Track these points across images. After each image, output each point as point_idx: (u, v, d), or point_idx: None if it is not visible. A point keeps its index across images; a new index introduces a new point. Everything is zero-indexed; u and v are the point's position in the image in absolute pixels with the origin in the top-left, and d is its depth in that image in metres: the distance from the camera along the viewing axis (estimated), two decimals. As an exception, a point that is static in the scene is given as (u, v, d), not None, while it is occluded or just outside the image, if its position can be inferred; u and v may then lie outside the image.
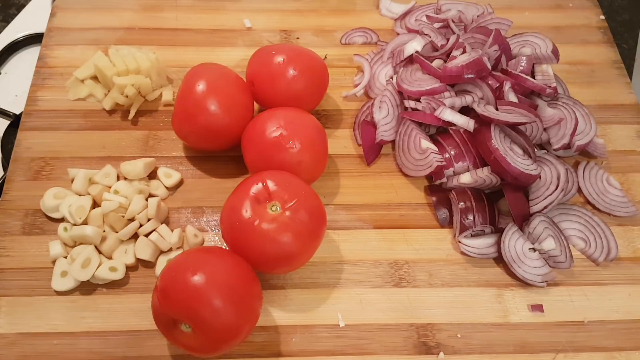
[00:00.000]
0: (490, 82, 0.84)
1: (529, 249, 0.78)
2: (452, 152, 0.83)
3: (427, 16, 0.97)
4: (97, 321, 0.73)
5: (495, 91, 0.84)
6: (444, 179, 0.83)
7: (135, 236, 0.78)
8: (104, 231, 0.77)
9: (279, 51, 0.84)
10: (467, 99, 0.84)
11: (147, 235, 0.77)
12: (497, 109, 0.82)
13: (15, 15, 1.11)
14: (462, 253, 0.80)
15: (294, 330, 0.74)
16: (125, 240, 0.78)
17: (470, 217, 0.79)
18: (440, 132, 0.87)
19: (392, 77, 0.92)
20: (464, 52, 0.87)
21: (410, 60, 0.91)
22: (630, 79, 0.99)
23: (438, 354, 0.73)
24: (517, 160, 0.79)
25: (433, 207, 0.83)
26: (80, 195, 0.80)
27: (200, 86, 0.79)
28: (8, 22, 1.10)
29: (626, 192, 0.86)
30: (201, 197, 0.83)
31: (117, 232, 0.77)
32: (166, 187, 0.83)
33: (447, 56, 0.89)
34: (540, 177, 0.81)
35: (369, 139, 0.87)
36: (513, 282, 0.78)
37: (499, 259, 0.79)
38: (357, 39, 1.01)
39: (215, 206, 0.83)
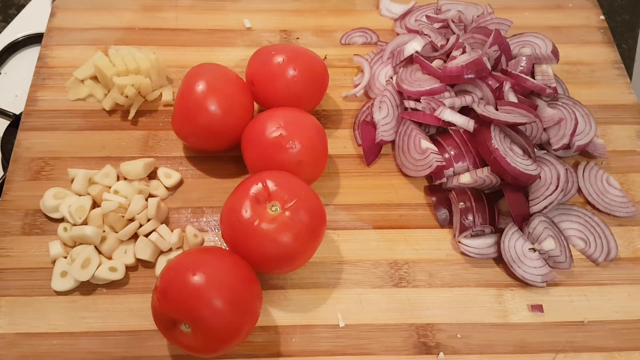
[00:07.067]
0: (490, 82, 0.84)
1: (529, 249, 0.78)
2: (452, 152, 0.83)
3: (427, 16, 0.97)
4: (97, 321, 0.73)
5: (495, 91, 0.84)
6: (444, 179, 0.83)
7: (135, 236, 0.78)
8: (104, 231, 0.77)
9: (279, 51, 0.84)
10: (467, 99, 0.84)
11: (147, 236, 0.77)
12: (497, 109, 0.82)
13: (15, 15, 1.11)
14: (462, 253, 0.80)
15: (293, 331, 0.74)
16: (125, 241, 0.78)
17: (470, 217, 0.79)
18: (440, 132, 0.87)
19: (392, 77, 0.92)
20: (463, 52, 0.87)
21: (410, 60, 0.91)
22: (630, 79, 0.99)
23: (438, 354, 0.73)
24: (517, 160, 0.79)
25: (433, 207, 0.83)
26: (80, 196, 0.80)
27: (200, 86, 0.79)
28: (8, 22, 1.10)
29: (626, 192, 0.86)
30: (201, 197, 0.83)
31: (117, 232, 0.77)
32: (166, 187, 0.83)
33: (447, 56, 0.89)
34: (540, 177, 0.81)
35: (368, 139, 0.87)
36: (513, 282, 0.78)
37: (499, 259, 0.79)
38: (357, 39, 1.01)
39: (215, 206, 0.83)
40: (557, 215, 0.82)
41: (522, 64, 0.87)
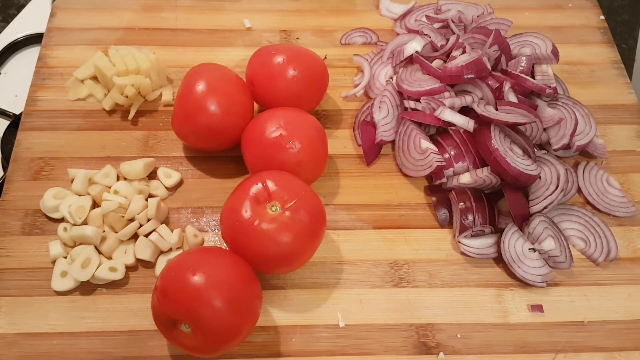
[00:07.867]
0: (490, 82, 0.84)
1: (529, 249, 0.78)
2: (452, 152, 0.83)
3: (427, 16, 0.97)
4: (97, 321, 0.73)
5: (495, 91, 0.84)
6: (444, 179, 0.83)
7: (135, 236, 0.78)
8: (104, 231, 0.77)
9: (279, 51, 0.84)
10: (467, 99, 0.84)
11: (147, 236, 0.77)
12: (497, 109, 0.82)
13: (15, 15, 1.11)
14: (462, 253, 0.80)
15: (293, 331, 0.74)
16: (125, 241, 0.78)
17: (470, 217, 0.79)
18: (440, 132, 0.87)
19: (392, 77, 0.92)
20: (463, 52, 0.87)
21: (410, 60, 0.91)
22: (630, 79, 0.99)
23: (438, 354, 0.73)
24: (516, 160, 0.79)
25: (433, 207, 0.83)
26: (80, 196, 0.80)
27: (200, 86, 0.79)
28: (8, 22, 1.10)
29: (626, 192, 0.86)
30: (201, 197, 0.83)
31: (117, 232, 0.77)
32: (166, 187, 0.83)
33: (447, 56, 0.89)
34: (540, 177, 0.81)
35: (368, 139, 0.87)
36: (513, 283, 0.78)
37: (499, 259, 0.79)
38: (357, 39, 1.01)
39: (215, 206, 0.83)
40: (557, 215, 0.82)
41: (522, 64, 0.87)
